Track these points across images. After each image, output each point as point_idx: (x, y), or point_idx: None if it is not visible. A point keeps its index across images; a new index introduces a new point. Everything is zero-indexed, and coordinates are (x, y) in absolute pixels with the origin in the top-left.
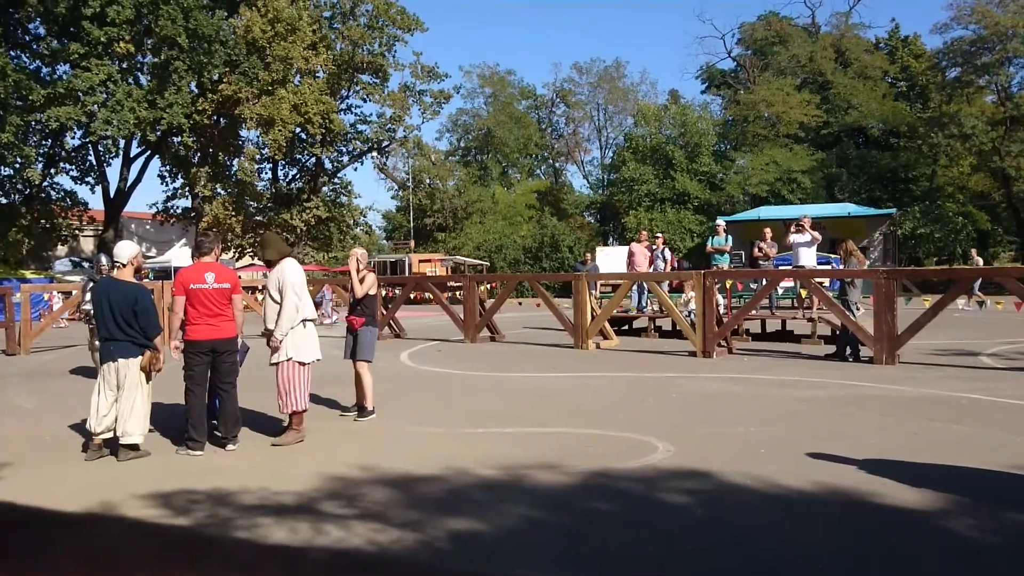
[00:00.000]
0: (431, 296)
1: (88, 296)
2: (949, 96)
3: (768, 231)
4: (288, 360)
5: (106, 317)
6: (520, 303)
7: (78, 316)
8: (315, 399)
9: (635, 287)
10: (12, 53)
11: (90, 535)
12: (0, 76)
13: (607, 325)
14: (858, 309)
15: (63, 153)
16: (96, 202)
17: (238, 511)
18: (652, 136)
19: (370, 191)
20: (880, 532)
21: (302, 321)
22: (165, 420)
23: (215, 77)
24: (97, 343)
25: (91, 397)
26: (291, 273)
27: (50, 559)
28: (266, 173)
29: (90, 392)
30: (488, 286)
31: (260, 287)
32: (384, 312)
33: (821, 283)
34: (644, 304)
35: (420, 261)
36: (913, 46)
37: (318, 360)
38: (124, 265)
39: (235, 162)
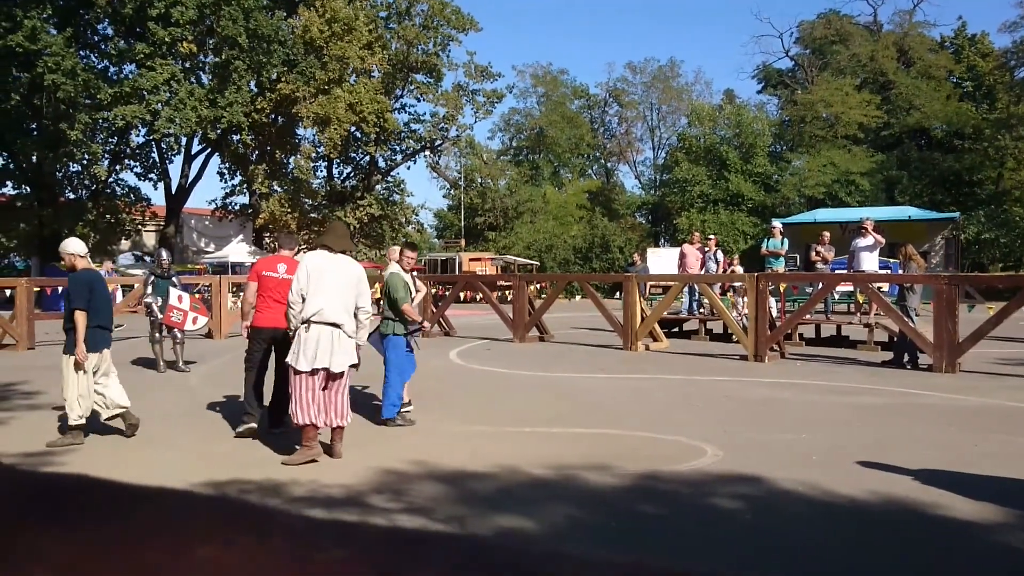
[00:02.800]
0: (481, 295)
1: (150, 289)
2: (1018, 97)
3: (826, 234)
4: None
5: (108, 307)
6: (569, 301)
7: (146, 311)
8: (365, 396)
9: (686, 289)
10: (81, 53)
11: (158, 505)
12: (71, 76)
13: (657, 327)
14: (917, 315)
15: (128, 150)
16: (158, 198)
17: (288, 501)
18: (706, 136)
19: (422, 190)
20: (936, 545)
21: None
22: (218, 411)
23: (273, 76)
24: (158, 335)
25: (79, 386)
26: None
27: (124, 524)
28: (321, 171)
29: (153, 381)
30: (538, 286)
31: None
32: (435, 310)
33: (880, 288)
34: (695, 307)
35: (470, 260)
36: (980, 45)
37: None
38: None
39: (291, 160)
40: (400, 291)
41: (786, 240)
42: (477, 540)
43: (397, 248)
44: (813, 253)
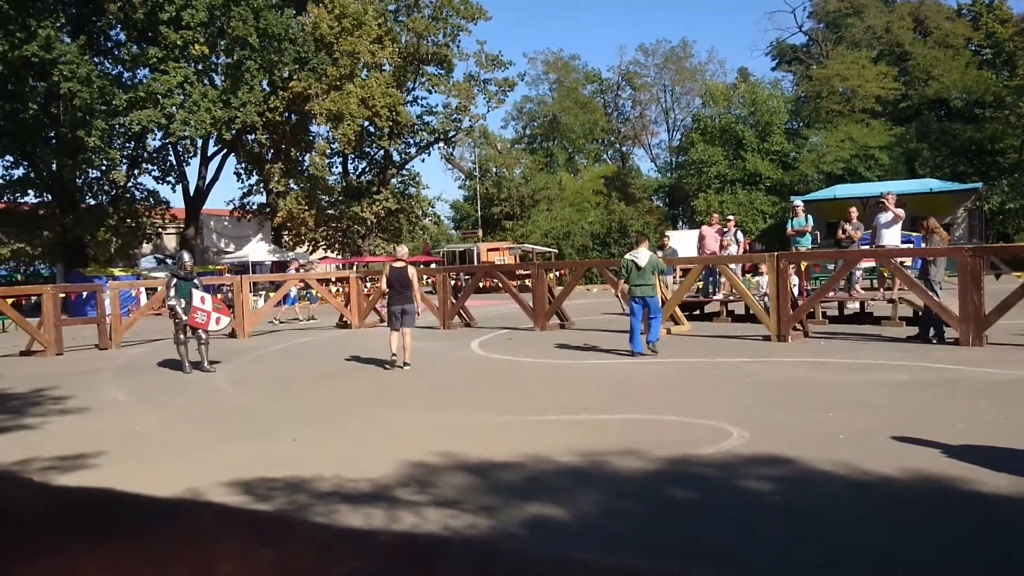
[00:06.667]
0: (500, 285)
1: (173, 292)
2: None
3: (854, 211)
4: None
5: None
6: (588, 289)
7: (170, 313)
8: (394, 384)
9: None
10: (96, 60)
11: (184, 518)
12: (86, 83)
13: (678, 310)
14: (940, 288)
15: (145, 154)
16: (177, 200)
17: (315, 498)
18: (721, 116)
19: (438, 182)
20: (970, 521)
21: None
22: (243, 409)
23: (285, 75)
24: (183, 337)
25: None
26: None
27: (152, 538)
28: (336, 167)
29: (179, 382)
30: (557, 273)
31: (333, 279)
32: (454, 301)
33: (903, 262)
34: (712, 289)
35: (488, 250)
36: (999, 11)
37: None
38: None
39: (306, 157)
40: (663, 266)
41: (810, 217)
42: (491, 546)
43: (641, 237)
44: (840, 231)
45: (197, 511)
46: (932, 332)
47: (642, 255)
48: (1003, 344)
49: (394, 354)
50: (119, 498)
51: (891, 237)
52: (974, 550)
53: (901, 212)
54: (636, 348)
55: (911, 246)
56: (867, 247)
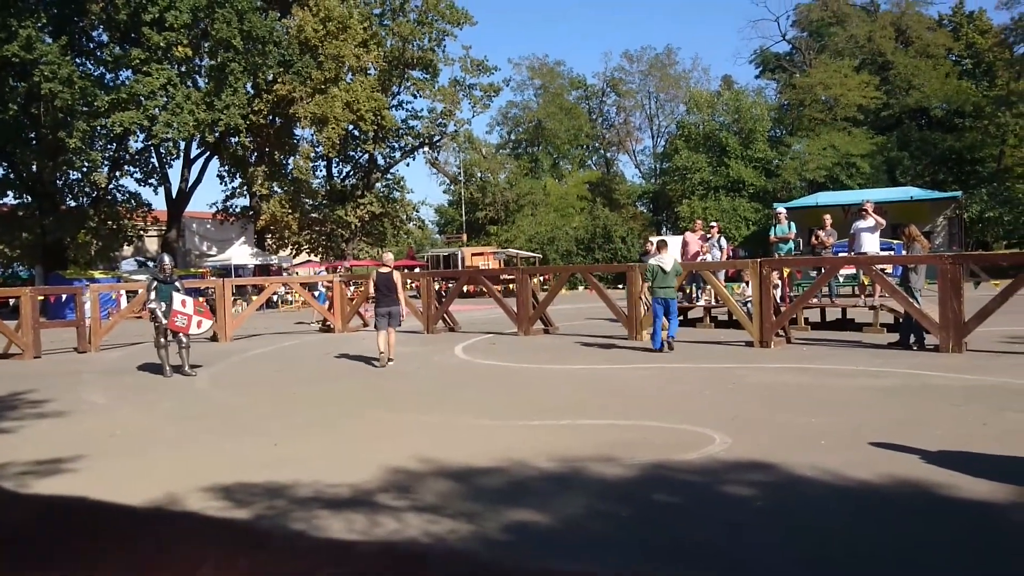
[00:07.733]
0: (484, 289)
1: (153, 295)
2: (1018, 73)
3: (828, 218)
4: None
5: None
6: (573, 292)
7: (150, 317)
8: (378, 388)
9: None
10: (77, 60)
11: (161, 528)
12: (67, 84)
13: None
14: (921, 295)
15: (127, 156)
16: (159, 203)
17: (295, 503)
18: (705, 123)
19: (422, 186)
20: (950, 525)
21: None
22: (224, 414)
23: (270, 77)
24: (163, 340)
25: None
26: None
27: (126, 550)
28: (321, 171)
29: (159, 385)
30: (541, 278)
31: (321, 283)
32: (438, 306)
33: (883, 269)
34: (698, 295)
35: (473, 255)
36: (979, 22)
37: None
38: None
39: (290, 161)
40: (680, 271)
41: (793, 224)
42: (473, 555)
43: (656, 240)
44: (813, 238)
45: (176, 518)
46: (912, 339)
47: (667, 260)
48: (982, 351)
49: (381, 352)
50: (96, 506)
51: (871, 244)
52: (955, 555)
53: (882, 220)
54: (656, 345)
55: (892, 253)
56: (844, 254)
